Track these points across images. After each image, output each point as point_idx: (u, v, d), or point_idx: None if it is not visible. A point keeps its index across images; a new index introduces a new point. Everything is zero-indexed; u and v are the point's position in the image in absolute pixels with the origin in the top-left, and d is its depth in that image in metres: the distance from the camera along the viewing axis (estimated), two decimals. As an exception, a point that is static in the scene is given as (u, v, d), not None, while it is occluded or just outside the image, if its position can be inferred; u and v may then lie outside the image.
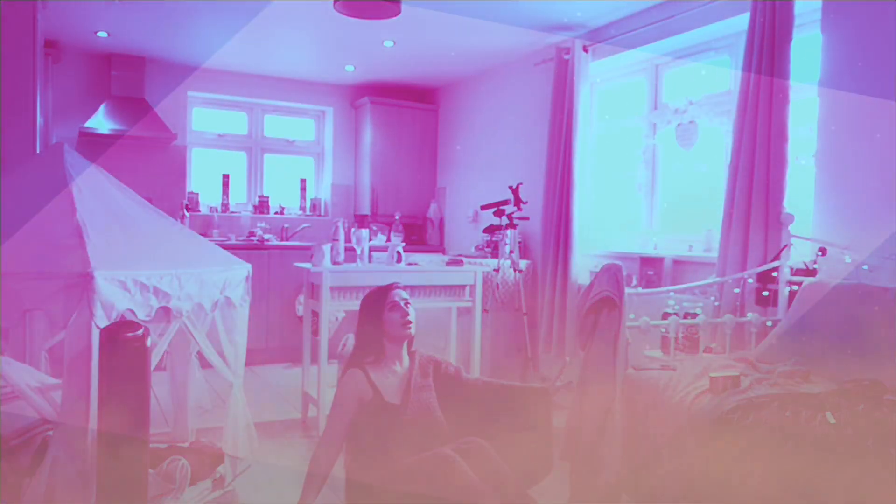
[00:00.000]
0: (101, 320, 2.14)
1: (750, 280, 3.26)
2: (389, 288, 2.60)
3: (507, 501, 2.27)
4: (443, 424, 2.52)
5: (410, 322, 2.55)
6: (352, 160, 6.62)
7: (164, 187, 5.75)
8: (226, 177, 6.10)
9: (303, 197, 6.49)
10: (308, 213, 6.48)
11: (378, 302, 2.57)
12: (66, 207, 2.40)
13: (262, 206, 6.20)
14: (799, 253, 3.19)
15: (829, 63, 3.16)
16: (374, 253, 5.00)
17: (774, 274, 3.18)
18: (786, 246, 3.17)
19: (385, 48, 5.21)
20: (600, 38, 4.47)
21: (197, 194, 5.97)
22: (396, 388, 2.53)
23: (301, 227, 6.22)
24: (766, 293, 3.19)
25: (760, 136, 3.29)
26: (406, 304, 2.57)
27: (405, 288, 2.66)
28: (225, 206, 6.07)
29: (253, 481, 3.03)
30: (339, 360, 4.13)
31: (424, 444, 2.39)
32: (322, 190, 6.66)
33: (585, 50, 4.52)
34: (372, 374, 2.50)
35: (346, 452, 2.52)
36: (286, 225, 6.18)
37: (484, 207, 4.91)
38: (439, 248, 6.30)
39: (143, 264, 2.39)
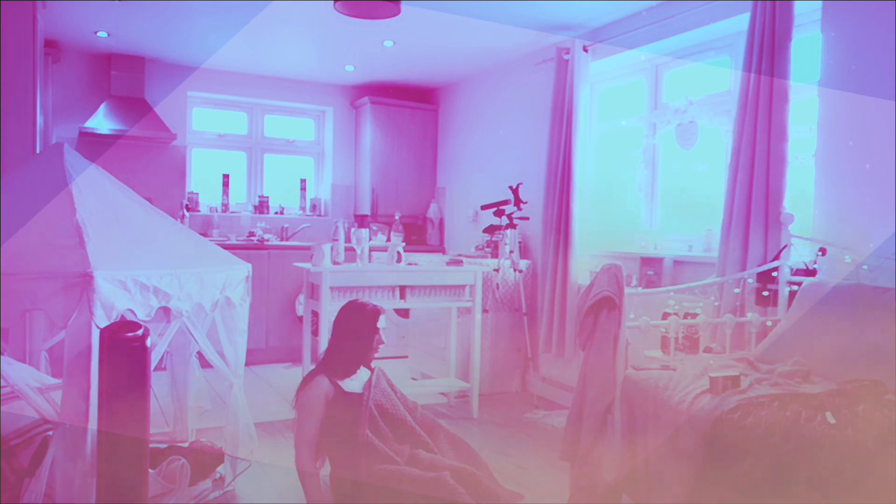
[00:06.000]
0: (101, 320, 2.15)
1: (750, 280, 3.26)
2: (374, 313, 2.86)
3: None
4: (404, 404, 2.84)
5: (379, 350, 2.89)
6: (352, 160, 6.62)
7: (164, 187, 5.75)
8: (226, 177, 6.10)
9: (303, 197, 6.49)
10: (308, 213, 6.49)
11: (367, 321, 2.85)
12: (66, 207, 2.41)
13: (262, 206, 6.21)
14: (799, 253, 3.18)
15: (829, 63, 3.15)
16: (374, 253, 5.01)
17: (774, 274, 3.18)
18: (786, 246, 3.17)
19: (385, 48, 5.22)
20: (600, 38, 4.47)
21: (197, 194, 5.97)
22: (358, 385, 2.83)
23: (301, 227, 6.23)
24: (766, 293, 3.18)
25: (760, 136, 3.29)
26: (382, 337, 2.89)
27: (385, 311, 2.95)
28: (225, 206, 6.07)
29: (253, 481, 3.03)
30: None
31: (391, 425, 2.75)
32: (322, 190, 6.66)
33: (585, 50, 4.52)
34: (337, 380, 2.80)
35: (325, 453, 2.77)
36: (286, 225, 6.19)
37: (484, 207, 4.91)
38: (439, 248, 6.30)
39: (143, 264, 2.39)
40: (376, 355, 2.91)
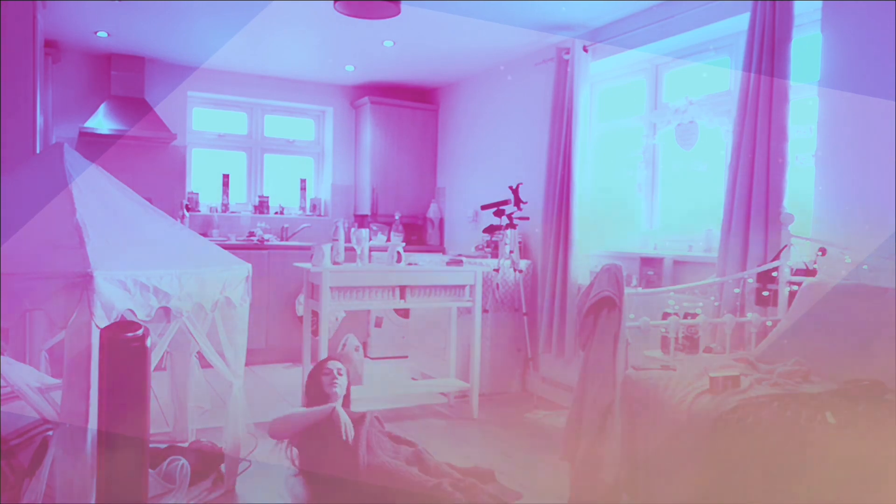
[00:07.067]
0: (101, 320, 2.15)
1: (750, 280, 3.26)
2: (326, 360, 3.31)
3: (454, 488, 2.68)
4: (377, 424, 3.08)
5: (336, 384, 3.16)
6: (352, 160, 6.62)
7: (164, 187, 5.75)
8: (226, 177, 6.10)
9: (303, 197, 6.49)
10: (308, 213, 6.48)
11: (317, 369, 3.23)
12: (66, 207, 2.41)
13: (262, 206, 6.20)
14: (799, 253, 3.19)
15: (829, 63, 3.15)
16: (374, 253, 5.01)
17: (774, 274, 3.18)
18: (786, 246, 3.17)
19: (385, 48, 5.21)
20: (600, 38, 4.47)
21: (197, 194, 5.97)
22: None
23: (301, 227, 6.22)
24: (766, 293, 3.18)
25: (760, 136, 3.29)
26: (339, 372, 3.20)
27: (342, 359, 3.37)
28: (225, 206, 6.07)
29: (253, 481, 3.03)
30: (339, 359, 4.13)
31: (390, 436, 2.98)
32: (322, 190, 6.66)
33: (585, 50, 4.52)
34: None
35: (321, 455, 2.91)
36: (286, 225, 6.18)
37: (484, 207, 4.91)
38: (439, 248, 6.30)
39: (143, 264, 2.39)
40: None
